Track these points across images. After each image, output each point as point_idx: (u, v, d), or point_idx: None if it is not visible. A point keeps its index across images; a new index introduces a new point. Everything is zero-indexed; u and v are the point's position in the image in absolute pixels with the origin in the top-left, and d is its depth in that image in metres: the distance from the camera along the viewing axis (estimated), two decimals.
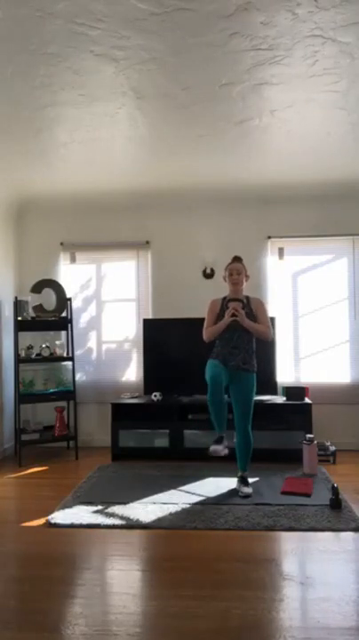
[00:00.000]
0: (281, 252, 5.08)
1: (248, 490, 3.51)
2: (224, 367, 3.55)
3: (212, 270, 5.10)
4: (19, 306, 4.72)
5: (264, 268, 5.09)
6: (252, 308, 3.68)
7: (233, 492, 3.58)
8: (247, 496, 3.47)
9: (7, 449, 4.94)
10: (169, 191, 4.95)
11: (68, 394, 4.82)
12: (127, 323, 5.25)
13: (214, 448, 3.42)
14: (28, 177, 4.53)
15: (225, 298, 3.76)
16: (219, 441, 3.47)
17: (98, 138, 3.67)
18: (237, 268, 3.72)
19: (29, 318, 4.75)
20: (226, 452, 3.47)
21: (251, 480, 3.70)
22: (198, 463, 4.30)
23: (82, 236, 5.26)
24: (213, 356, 3.66)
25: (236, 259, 3.79)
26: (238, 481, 3.64)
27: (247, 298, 3.74)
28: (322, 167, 4.35)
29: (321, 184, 4.76)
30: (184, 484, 3.81)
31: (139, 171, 4.41)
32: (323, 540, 2.81)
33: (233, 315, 3.55)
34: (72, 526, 3.05)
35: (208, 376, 3.52)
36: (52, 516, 3.18)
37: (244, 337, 3.62)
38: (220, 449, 3.43)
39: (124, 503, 3.39)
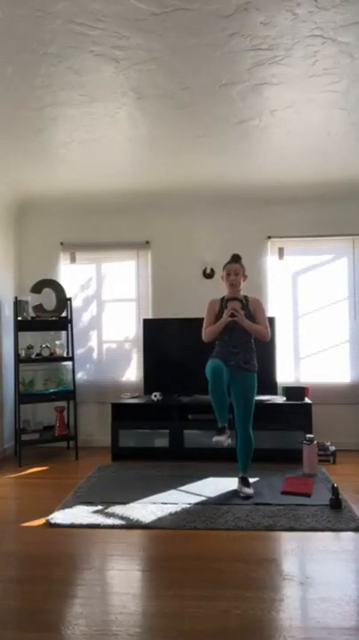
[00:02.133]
0: (281, 252, 5.08)
1: (249, 491, 3.51)
2: (225, 365, 3.54)
3: (212, 270, 5.10)
4: (19, 306, 4.72)
5: (264, 267, 5.09)
6: (251, 309, 3.67)
7: (233, 493, 3.58)
8: (248, 497, 3.46)
9: (7, 449, 4.94)
10: (169, 191, 4.95)
11: (68, 394, 4.82)
12: (127, 323, 5.25)
13: (217, 438, 3.40)
14: (28, 177, 4.53)
15: (223, 298, 3.74)
16: (221, 431, 3.45)
17: (98, 138, 3.67)
18: (235, 269, 3.68)
19: (29, 318, 4.75)
20: (229, 441, 3.46)
21: (251, 480, 3.69)
22: (198, 463, 4.30)
23: (82, 236, 5.26)
24: (213, 356, 3.65)
25: (235, 258, 3.75)
26: (239, 482, 3.63)
27: (246, 298, 3.71)
28: (322, 167, 4.35)
29: (321, 184, 4.76)
30: (184, 484, 3.81)
31: (139, 171, 4.41)
32: (323, 540, 2.81)
33: (232, 315, 3.53)
34: (72, 526, 3.05)
35: (209, 370, 3.51)
36: (52, 516, 3.19)
37: (243, 337, 3.61)
38: (223, 439, 3.42)
39: (124, 503, 3.39)
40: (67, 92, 2.98)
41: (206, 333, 3.67)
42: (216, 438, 3.41)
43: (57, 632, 1.98)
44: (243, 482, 3.60)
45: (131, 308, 5.25)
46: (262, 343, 3.75)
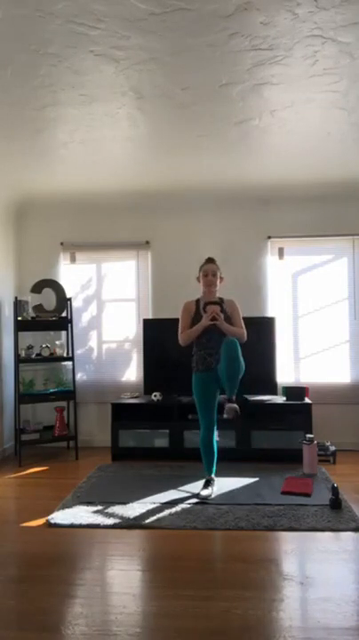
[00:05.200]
0: (281, 252, 5.08)
1: (234, 405, 3.36)
2: (210, 374, 3.55)
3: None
4: (19, 306, 4.72)
5: (264, 267, 5.09)
6: (227, 311, 3.67)
7: (233, 493, 3.58)
8: (235, 412, 3.34)
9: (7, 449, 4.94)
10: (169, 191, 4.95)
11: (68, 394, 4.82)
12: (127, 323, 5.25)
13: (205, 494, 3.46)
14: (28, 177, 4.53)
15: (199, 300, 3.73)
16: (207, 484, 3.57)
17: (98, 138, 3.67)
18: (212, 270, 3.69)
19: (29, 318, 4.75)
20: (213, 495, 3.50)
21: (251, 480, 3.69)
22: (198, 463, 4.29)
23: (82, 236, 5.26)
24: (195, 367, 3.65)
25: (210, 260, 3.77)
26: (226, 403, 3.43)
27: (221, 299, 3.71)
28: (322, 167, 4.35)
29: (321, 184, 4.76)
30: (184, 483, 3.81)
31: (139, 171, 4.41)
32: (323, 540, 2.81)
33: (213, 319, 3.53)
34: (72, 526, 3.05)
35: (198, 403, 3.61)
36: (52, 516, 3.19)
37: (221, 338, 3.58)
38: (211, 493, 3.49)
39: (124, 503, 3.39)
40: (67, 92, 2.98)
41: (183, 337, 3.67)
42: (204, 493, 3.45)
43: (57, 632, 1.98)
44: (229, 401, 3.43)
45: (131, 308, 5.25)
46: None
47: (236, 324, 3.65)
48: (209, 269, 3.69)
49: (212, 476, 3.64)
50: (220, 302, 3.66)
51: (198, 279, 3.76)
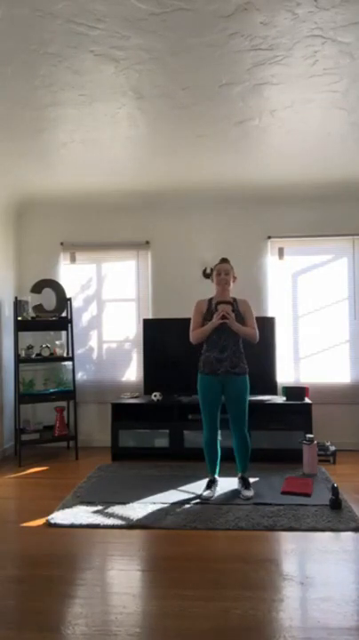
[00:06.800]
0: (281, 252, 5.08)
1: (249, 493, 3.50)
2: (215, 378, 3.54)
3: (212, 270, 5.08)
4: (19, 306, 4.72)
5: (264, 268, 5.09)
6: (241, 310, 3.66)
7: (233, 493, 3.58)
8: (248, 499, 3.46)
9: (7, 449, 4.94)
10: (169, 191, 4.95)
11: (68, 394, 4.82)
12: (127, 323, 5.25)
13: (207, 495, 3.49)
14: (28, 177, 4.53)
15: (211, 299, 3.73)
16: (210, 485, 3.59)
17: (98, 138, 3.67)
18: (225, 269, 3.72)
19: (29, 318, 4.75)
20: (216, 494, 3.56)
21: (251, 480, 3.70)
22: (198, 463, 4.29)
23: (82, 236, 5.26)
24: (201, 368, 3.62)
25: (224, 260, 3.80)
26: (239, 483, 3.63)
27: (234, 299, 3.70)
28: (322, 167, 4.35)
29: (321, 184, 4.76)
30: (184, 484, 3.81)
31: (139, 171, 4.41)
32: (323, 540, 2.81)
33: (223, 317, 3.53)
34: (72, 526, 3.05)
35: (202, 404, 3.62)
36: (52, 516, 3.19)
37: (231, 338, 3.58)
38: (212, 494, 3.51)
39: (124, 503, 3.39)
40: (67, 91, 2.98)
41: (194, 335, 3.66)
42: (206, 494, 3.49)
43: (57, 632, 1.98)
44: (243, 483, 3.60)
45: (131, 308, 5.25)
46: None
47: (248, 325, 3.64)
48: (222, 269, 3.72)
49: (216, 476, 3.65)
50: (232, 302, 3.65)
51: (212, 279, 3.80)
